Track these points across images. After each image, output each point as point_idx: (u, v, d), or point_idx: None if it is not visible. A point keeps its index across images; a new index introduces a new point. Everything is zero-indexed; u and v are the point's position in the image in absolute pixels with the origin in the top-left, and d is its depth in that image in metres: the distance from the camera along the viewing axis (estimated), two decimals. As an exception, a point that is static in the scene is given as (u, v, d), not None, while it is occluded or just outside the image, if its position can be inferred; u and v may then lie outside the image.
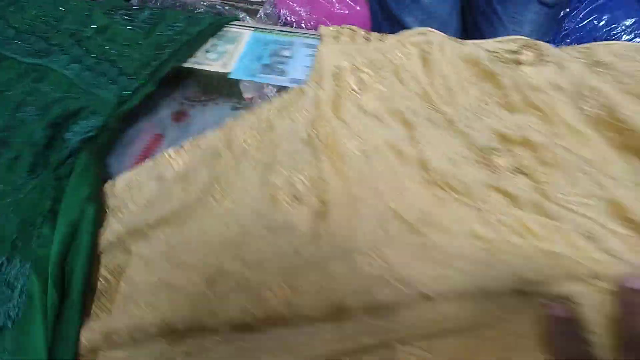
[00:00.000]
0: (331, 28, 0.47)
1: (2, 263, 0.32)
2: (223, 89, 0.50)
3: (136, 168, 0.39)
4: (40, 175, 0.37)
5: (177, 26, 0.46)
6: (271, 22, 0.69)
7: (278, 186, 0.36)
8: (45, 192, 0.36)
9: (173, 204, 0.36)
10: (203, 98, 0.50)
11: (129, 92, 0.42)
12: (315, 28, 0.66)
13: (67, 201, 0.35)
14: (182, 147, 0.40)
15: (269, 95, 0.49)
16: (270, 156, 0.38)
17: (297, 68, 0.45)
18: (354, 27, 0.46)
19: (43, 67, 0.44)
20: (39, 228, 0.34)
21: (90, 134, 0.39)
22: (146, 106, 0.44)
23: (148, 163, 0.40)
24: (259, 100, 0.50)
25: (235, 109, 0.49)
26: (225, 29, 0.48)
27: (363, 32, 0.46)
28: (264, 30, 0.49)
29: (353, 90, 0.41)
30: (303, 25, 0.70)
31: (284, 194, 0.35)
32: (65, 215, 0.34)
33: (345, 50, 0.44)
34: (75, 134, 0.39)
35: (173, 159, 0.39)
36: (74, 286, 0.32)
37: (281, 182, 0.36)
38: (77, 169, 0.37)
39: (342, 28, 0.46)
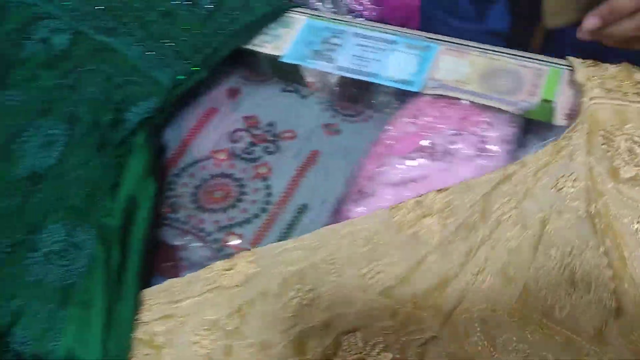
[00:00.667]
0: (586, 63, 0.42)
1: (73, 227, 0.37)
2: (275, 71, 0.53)
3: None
4: (104, 153, 0.41)
5: (234, 14, 0.49)
6: (335, 9, 0.70)
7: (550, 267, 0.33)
8: (108, 168, 0.40)
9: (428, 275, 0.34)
10: (255, 78, 0.53)
11: (183, 77, 0.45)
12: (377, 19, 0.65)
13: (127, 177, 0.40)
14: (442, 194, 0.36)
15: (331, 81, 0.51)
16: (535, 232, 0.34)
17: (345, 56, 0.47)
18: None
19: (110, 46, 0.48)
20: (102, 200, 0.38)
21: (147, 115, 0.43)
22: (202, 80, 0.48)
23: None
24: (318, 85, 0.52)
25: (285, 91, 0.52)
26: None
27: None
28: (319, 17, 0.51)
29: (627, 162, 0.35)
30: (366, 13, 0.71)
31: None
32: (125, 190, 0.39)
33: (620, 112, 0.37)
34: (134, 115, 0.43)
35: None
36: (133, 254, 0.37)
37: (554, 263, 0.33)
38: (135, 147, 0.41)
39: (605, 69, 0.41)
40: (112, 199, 0.39)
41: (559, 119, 0.41)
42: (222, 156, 0.46)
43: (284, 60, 0.48)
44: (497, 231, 0.35)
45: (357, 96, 0.51)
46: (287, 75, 0.51)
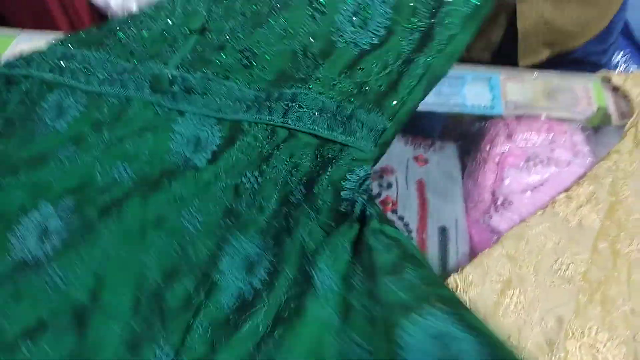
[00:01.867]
0: None
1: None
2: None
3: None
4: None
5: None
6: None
7: None
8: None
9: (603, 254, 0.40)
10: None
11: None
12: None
13: None
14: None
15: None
16: None
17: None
18: None
19: (283, 129, 0.39)
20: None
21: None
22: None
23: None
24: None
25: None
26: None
27: None
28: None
29: None
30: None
31: None
32: None
33: None
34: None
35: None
36: None
37: None
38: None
39: None
40: None
41: (615, 119, 0.51)
42: (345, 199, 0.49)
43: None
44: (626, 206, 0.43)
45: (428, 128, 0.57)
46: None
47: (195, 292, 0.33)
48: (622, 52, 0.90)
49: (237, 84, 0.41)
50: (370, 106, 0.39)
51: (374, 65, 0.40)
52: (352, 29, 0.41)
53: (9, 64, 0.44)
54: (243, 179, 0.37)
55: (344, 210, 0.35)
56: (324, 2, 0.41)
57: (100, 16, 0.71)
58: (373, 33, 0.41)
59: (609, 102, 0.52)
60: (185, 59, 0.42)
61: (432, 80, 0.40)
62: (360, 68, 0.40)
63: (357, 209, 0.34)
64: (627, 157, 0.47)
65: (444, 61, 0.40)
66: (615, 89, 0.52)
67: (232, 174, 0.37)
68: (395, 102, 0.39)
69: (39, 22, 0.63)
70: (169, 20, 0.44)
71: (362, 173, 0.36)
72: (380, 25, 0.41)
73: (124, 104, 0.41)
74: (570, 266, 0.40)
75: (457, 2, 0.40)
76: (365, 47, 0.40)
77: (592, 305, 0.38)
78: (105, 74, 0.42)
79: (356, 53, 0.40)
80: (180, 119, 0.40)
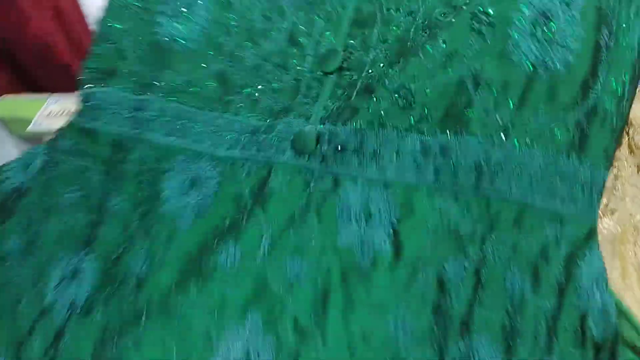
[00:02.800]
0: None
1: None
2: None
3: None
4: None
5: None
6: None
7: None
8: None
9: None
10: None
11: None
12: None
13: None
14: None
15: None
16: None
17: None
18: None
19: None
20: None
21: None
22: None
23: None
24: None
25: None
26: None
27: None
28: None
29: None
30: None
31: None
32: None
33: None
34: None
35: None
36: None
37: None
38: None
39: None
40: None
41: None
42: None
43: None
44: (624, 209, 0.46)
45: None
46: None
47: None
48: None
49: (397, 132, 0.31)
50: (586, 158, 0.30)
51: (576, 94, 0.30)
52: (536, 44, 0.30)
53: (113, 121, 0.35)
54: (445, 265, 0.28)
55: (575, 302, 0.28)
56: (491, 12, 0.31)
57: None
58: (567, 48, 0.30)
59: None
60: (329, 109, 0.32)
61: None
62: (560, 101, 0.30)
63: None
64: (624, 163, 0.50)
65: None
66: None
67: (430, 262, 0.29)
68: (605, 146, 0.31)
69: (68, 84, 0.68)
70: (299, 67, 0.34)
71: (597, 261, 0.29)
72: (573, 36, 0.31)
73: (263, 173, 0.32)
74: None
75: None
76: (559, 67, 0.30)
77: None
78: (235, 135, 0.33)
79: (547, 78, 0.30)
80: (338, 188, 0.30)
